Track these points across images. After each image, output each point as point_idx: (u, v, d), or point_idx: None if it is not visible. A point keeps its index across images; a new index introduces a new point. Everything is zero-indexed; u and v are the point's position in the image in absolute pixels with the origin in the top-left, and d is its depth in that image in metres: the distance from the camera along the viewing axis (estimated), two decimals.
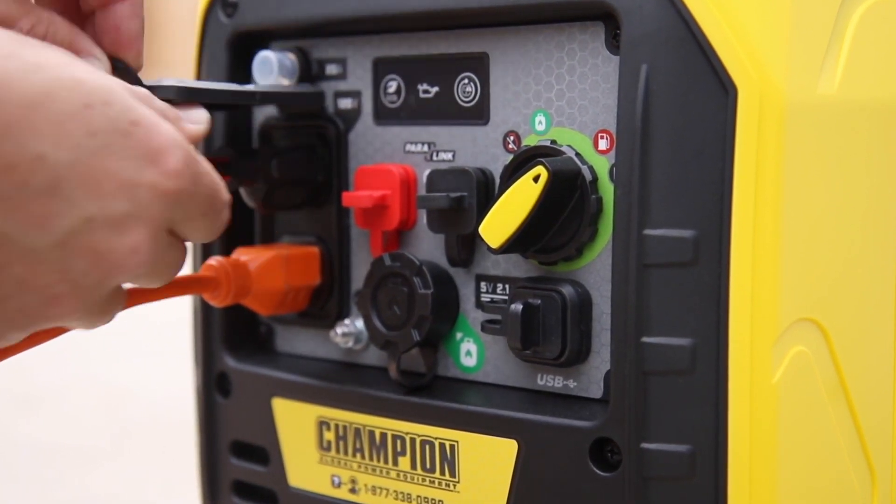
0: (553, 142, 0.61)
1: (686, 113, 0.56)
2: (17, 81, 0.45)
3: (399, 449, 0.66)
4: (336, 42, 0.70)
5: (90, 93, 0.47)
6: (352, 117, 0.69)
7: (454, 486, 0.64)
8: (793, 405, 0.57)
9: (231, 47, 0.72)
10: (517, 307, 0.61)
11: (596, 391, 0.61)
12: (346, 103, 0.70)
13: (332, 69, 0.70)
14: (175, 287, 0.64)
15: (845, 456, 0.60)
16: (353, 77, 0.69)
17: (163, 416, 1.67)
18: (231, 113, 0.72)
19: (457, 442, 0.64)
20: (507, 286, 0.64)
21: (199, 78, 0.74)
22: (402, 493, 0.66)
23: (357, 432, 0.67)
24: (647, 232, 0.57)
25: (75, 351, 2.01)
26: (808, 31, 0.57)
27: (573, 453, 0.60)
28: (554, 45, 0.62)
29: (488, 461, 0.62)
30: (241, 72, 0.72)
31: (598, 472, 0.59)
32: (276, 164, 0.68)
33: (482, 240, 0.61)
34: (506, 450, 0.62)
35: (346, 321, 0.69)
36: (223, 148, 0.71)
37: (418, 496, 0.65)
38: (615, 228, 0.58)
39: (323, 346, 0.72)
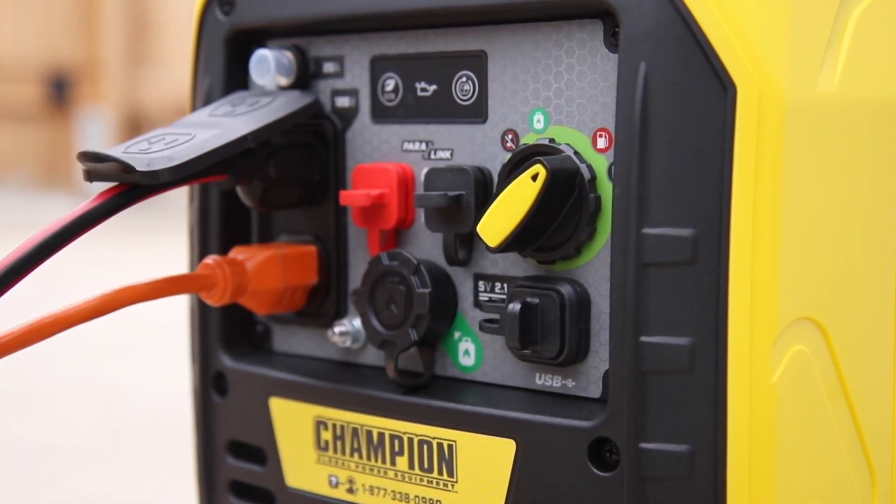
0: (551, 140, 0.61)
1: (685, 111, 0.56)
2: None
3: (397, 449, 0.66)
4: (333, 40, 0.69)
5: None
6: (349, 116, 0.69)
7: (452, 486, 0.64)
8: (792, 405, 0.57)
9: (228, 45, 0.72)
10: (515, 306, 0.61)
11: (594, 391, 0.61)
12: (343, 101, 0.69)
13: (329, 67, 0.70)
14: (172, 286, 0.64)
15: (845, 456, 0.60)
16: (350, 75, 0.69)
17: (159, 415, 1.67)
18: None
19: (455, 442, 0.63)
20: (505, 285, 0.64)
21: (195, 77, 0.74)
22: (399, 493, 0.66)
23: (355, 432, 0.67)
24: (646, 231, 0.56)
25: (70, 350, 2.00)
26: (807, 29, 0.57)
27: (572, 453, 0.59)
28: (552, 43, 0.61)
29: (486, 461, 0.62)
30: (239, 70, 0.72)
31: (596, 471, 0.59)
32: (272, 163, 0.67)
33: (480, 239, 0.60)
34: (504, 450, 0.62)
35: (344, 320, 0.69)
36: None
37: (416, 496, 0.65)
38: (614, 227, 0.58)
39: (320, 345, 0.72)
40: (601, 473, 0.59)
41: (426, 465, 0.65)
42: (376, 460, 0.66)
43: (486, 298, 0.64)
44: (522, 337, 0.61)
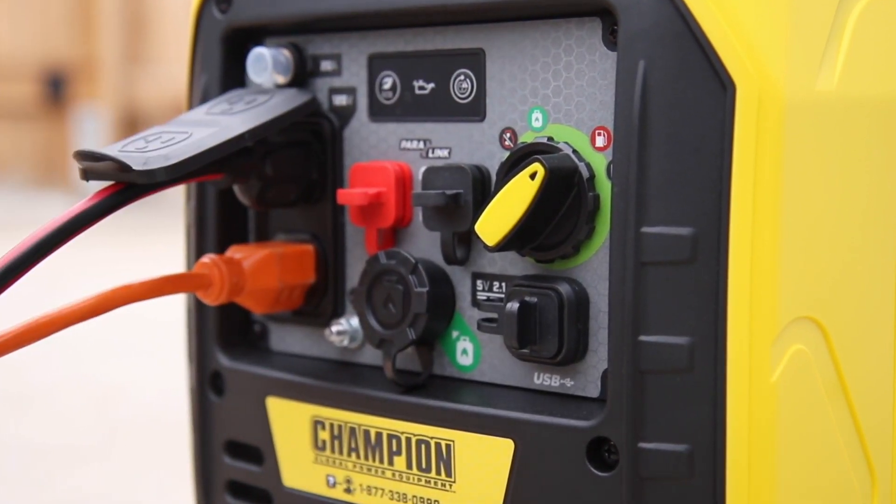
0: (550, 139, 0.61)
1: (684, 110, 0.56)
2: None
3: (394, 448, 0.65)
4: (331, 38, 0.69)
5: None
6: (347, 114, 0.69)
7: (450, 486, 0.64)
8: (792, 404, 0.57)
9: (225, 43, 0.72)
10: (513, 305, 0.60)
11: (593, 390, 0.61)
12: (340, 100, 0.69)
13: (326, 65, 0.70)
14: (168, 285, 0.64)
15: (845, 455, 0.60)
16: (347, 73, 0.69)
17: (156, 415, 1.67)
18: None
19: (453, 441, 0.63)
20: (503, 284, 0.63)
21: (192, 74, 0.74)
22: (397, 493, 0.66)
23: (352, 432, 0.67)
24: (645, 229, 0.56)
25: (66, 350, 2.00)
26: (806, 28, 0.57)
27: (570, 453, 0.59)
28: (551, 42, 0.61)
29: (484, 461, 0.62)
30: (235, 68, 0.72)
31: (595, 471, 0.59)
32: (270, 162, 0.67)
33: (478, 238, 0.60)
34: (502, 449, 0.61)
35: (341, 319, 0.69)
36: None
37: (414, 496, 0.65)
38: (612, 226, 0.58)
39: (318, 344, 0.71)
40: (600, 473, 0.58)
41: (424, 465, 0.64)
42: (374, 460, 0.66)
43: (485, 297, 0.64)
44: (521, 336, 0.61)
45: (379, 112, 0.68)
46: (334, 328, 0.69)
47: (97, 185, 0.62)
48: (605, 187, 0.59)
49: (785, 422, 0.56)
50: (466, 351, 0.65)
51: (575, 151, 0.60)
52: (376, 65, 0.68)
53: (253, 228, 0.73)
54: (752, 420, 0.56)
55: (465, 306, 0.65)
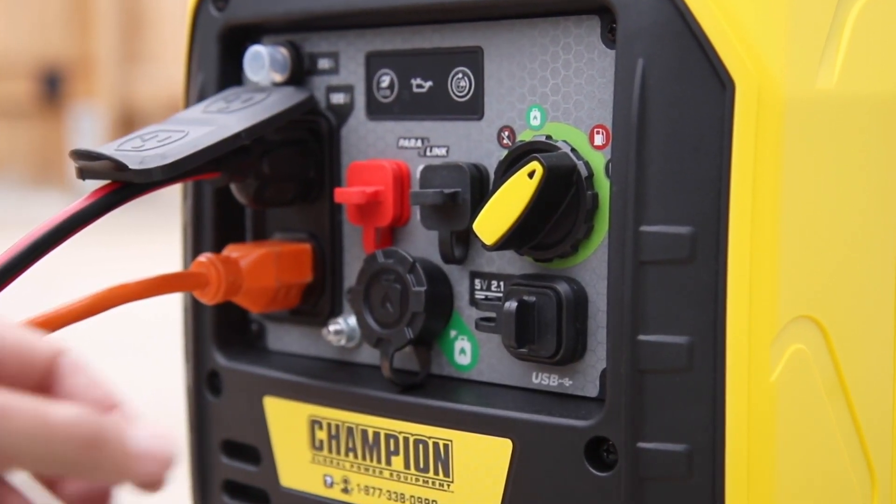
0: (548, 137, 0.61)
1: (683, 108, 0.56)
2: None
3: (392, 448, 0.65)
4: (328, 36, 0.69)
5: None
6: (344, 112, 0.69)
7: (448, 485, 0.63)
8: (791, 404, 0.57)
9: (222, 42, 0.71)
10: (512, 305, 0.60)
11: (592, 390, 0.60)
12: (338, 98, 0.69)
13: (324, 63, 0.69)
14: (165, 284, 0.64)
15: (844, 455, 0.60)
16: (345, 71, 0.69)
17: (152, 414, 1.67)
18: None
19: (451, 441, 0.63)
20: (501, 283, 0.63)
21: (189, 73, 0.74)
22: (395, 493, 0.65)
23: (350, 431, 0.67)
24: (644, 228, 0.56)
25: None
26: (806, 25, 0.57)
27: (569, 453, 0.59)
28: (549, 40, 0.61)
29: (482, 461, 0.62)
30: (232, 67, 0.72)
31: (593, 471, 0.58)
32: (267, 160, 0.67)
33: (476, 236, 0.60)
34: (500, 449, 0.61)
35: (339, 319, 0.69)
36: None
37: (412, 496, 0.65)
38: (611, 225, 0.57)
39: (315, 344, 0.71)
40: (598, 473, 0.58)
41: (422, 465, 0.64)
42: (371, 460, 0.66)
43: (483, 297, 0.64)
44: (519, 335, 0.60)
45: (376, 110, 0.68)
46: (332, 327, 0.69)
47: (93, 184, 0.61)
48: (603, 186, 0.59)
49: (784, 421, 0.56)
50: (464, 350, 0.65)
51: (573, 150, 0.60)
52: (374, 63, 0.68)
53: (250, 227, 0.73)
54: (752, 420, 0.55)
55: (463, 305, 0.65)
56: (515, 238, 0.59)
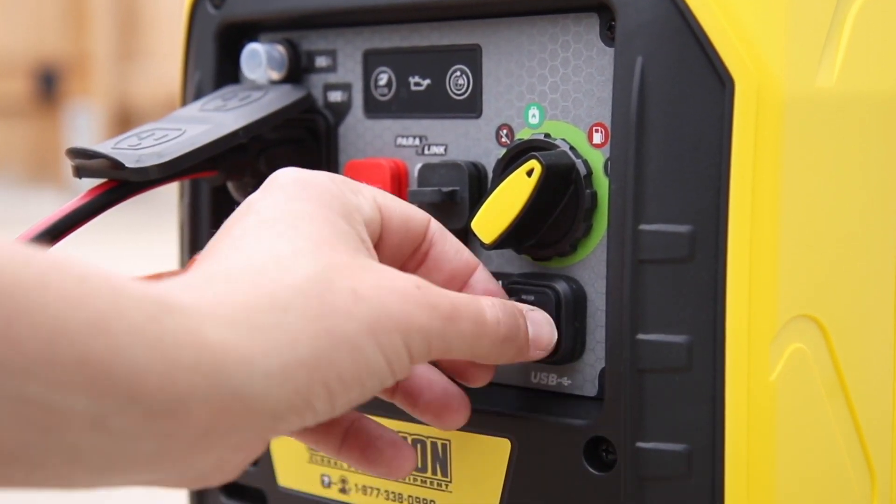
0: (547, 135, 0.61)
1: (682, 106, 0.55)
2: None
3: None
4: (326, 34, 0.69)
5: None
6: (342, 110, 0.69)
7: (446, 485, 0.63)
8: (791, 403, 0.56)
9: (219, 39, 0.71)
10: None
11: (590, 389, 0.60)
12: (335, 96, 0.69)
13: (321, 61, 0.69)
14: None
15: (844, 455, 0.60)
16: (343, 69, 0.68)
17: None
18: None
19: (449, 441, 0.63)
20: (499, 282, 0.63)
21: (186, 71, 0.73)
22: (393, 492, 0.65)
23: None
24: (643, 227, 0.56)
25: None
26: (806, 23, 0.57)
27: (567, 452, 0.59)
28: (548, 37, 0.61)
29: (481, 460, 0.62)
30: (229, 65, 0.71)
31: (592, 471, 0.58)
32: (264, 159, 0.67)
33: (474, 235, 0.60)
34: (499, 449, 0.61)
35: None
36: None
37: (409, 496, 0.65)
38: (610, 223, 0.57)
39: None
40: (597, 473, 0.58)
41: (420, 465, 0.64)
42: None
43: None
44: None
45: (374, 108, 0.67)
46: None
47: (90, 183, 0.61)
48: (602, 184, 0.59)
49: (784, 421, 0.56)
50: None
51: (572, 148, 0.60)
52: (372, 61, 0.67)
53: None
54: (751, 419, 0.55)
55: None
56: (514, 237, 0.59)
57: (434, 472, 0.64)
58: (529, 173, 0.58)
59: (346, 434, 0.58)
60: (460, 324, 0.52)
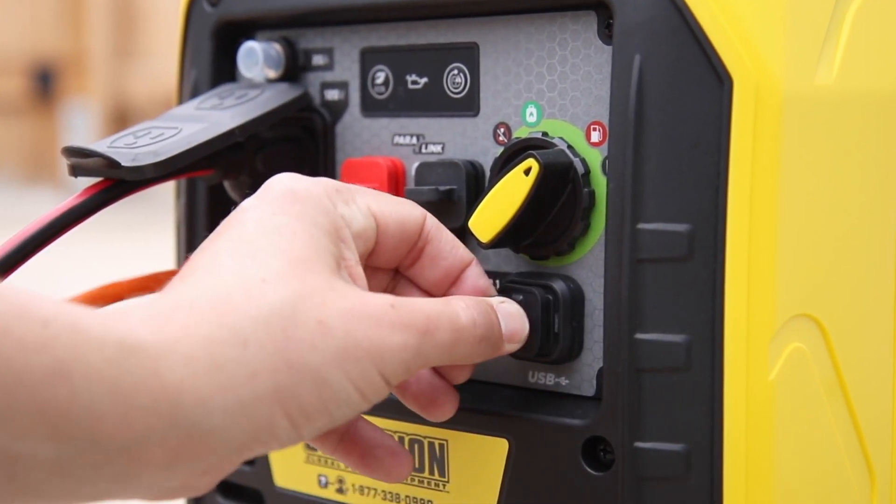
0: (544, 134, 0.60)
1: (680, 104, 0.55)
2: None
3: None
4: (323, 32, 0.68)
5: None
6: (339, 109, 0.68)
7: (444, 485, 0.63)
8: (790, 403, 0.56)
9: (215, 38, 0.71)
10: None
11: (588, 389, 0.60)
12: (332, 94, 0.68)
13: (318, 59, 0.69)
14: (158, 282, 0.63)
15: (843, 455, 0.59)
16: (339, 68, 0.68)
17: None
18: None
19: (446, 441, 0.63)
20: (497, 281, 0.63)
21: (182, 69, 0.73)
22: (390, 493, 0.65)
23: None
24: (641, 226, 0.56)
25: None
26: (805, 21, 0.56)
27: (565, 452, 0.59)
28: (545, 36, 0.61)
29: (478, 460, 0.61)
30: (226, 63, 0.71)
31: (590, 471, 0.58)
32: (260, 157, 0.67)
33: (472, 234, 0.59)
34: (496, 449, 0.61)
35: None
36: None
37: (407, 496, 0.64)
38: (608, 222, 0.57)
39: None
40: (595, 473, 0.58)
41: (417, 465, 0.64)
42: None
43: None
44: None
45: (371, 107, 0.67)
46: None
47: (86, 181, 0.61)
48: (600, 183, 0.59)
49: (783, 421, 0.56)
50: None
51: (570, 147, 0.60)
52: (369, 59, 0.67)
53: None
54: (750, 419, 0.55)
55: None
56: (511, 236, 0.59)
57: (431, 472, 0.63)
58: (527, 172, 0.58)
59: (343, 438, 0.58)
60: (437, 335, 0.52)
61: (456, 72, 0.64)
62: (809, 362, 0.57)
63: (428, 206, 0.63)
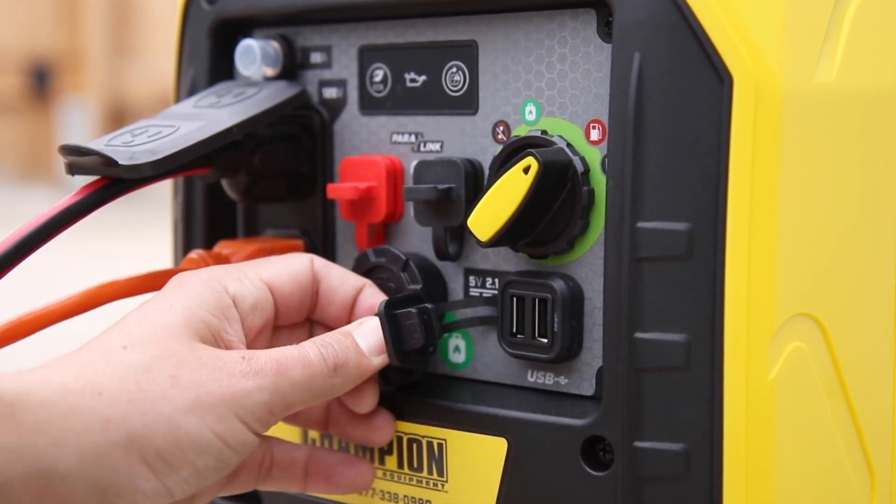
0: (544, 132, 0.60)
1: (680, 102, 0.55)
2: None
3: (385, 448, 0.64)
4: (321, 30, 0.68)
5: None
6: (337, 107, 0.68)
7: (442, 485, 0.63)
8: (790, 403, 0.56)
9: (213, 35, 0.71)
10: (507, 302, 0.60)
11: (588, 388, 0.60)
12: (330, 92, 0.68)
13: (316, 57, 0.69)
14: (155, 281, 0.63)
15: (843, 455, 0.59)
16: (338, 65, 0.68)
17: None
18: None
19: (445, 440, 0.62)
20: (496, 280, 0.63)
21: (180, 67, 0.73)
22: (388, 492, 0.65)
23: None
24: (641, 225, 0.55)
25: (52, 347, 1.99)
26: (805, 19, 0.56)
27: (564, 452, 0.58)
28: (544, 33, 0.60)
29: (477, 460, 0.61)
30: (224, 61, 0.71)
31: (589, 471, 0.58)
32: (258, 155, 0.66)
33: (471, 233, 0.59)
34: (495, 448, 0.61)
35: None
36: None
37: (405, 496, 0.64)
38: (607, 221, 0.57)
39: None
40: (594, 473, 0.58)
41: (415, 465, 0.63)
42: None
43: (477, 294, 0.63)
44: (514, 333, 0.60)
45: (370, 105, 0.67)
46: None
47: (83, 180, 0.61)
48: (599, 182, 0.59)
49: (782, 420, 0.56)
50: (459, 348, 0.64)
51: (569, 145, 0.59)
52: (367, 57, 0.67)
53: (241, 223, 0.72)
54: (750, 418, 0.55)
55: None
56: (510, 234, 0.59)
57: (430, 472, 0.63)
58: (526, 170, 0.58)
59: (306, 472, 0.62)
60: (289, 374, 0.56)
61: (455, 70, 0.64)
62: (809, 361, 0.57)
63: (426, 204, 0.63)
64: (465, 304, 0.63)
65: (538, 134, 0.60)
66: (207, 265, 0.65)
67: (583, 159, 0.59)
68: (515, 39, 0.61)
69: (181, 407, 0.53)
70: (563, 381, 0.61)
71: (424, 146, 0.65)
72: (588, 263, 0.60)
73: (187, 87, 0.71)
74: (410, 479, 0.64)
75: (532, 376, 0.62)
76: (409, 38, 0.65)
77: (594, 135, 0.59)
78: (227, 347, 0.57)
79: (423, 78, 0.65)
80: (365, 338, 0.59)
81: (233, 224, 0.73)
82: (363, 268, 0.65)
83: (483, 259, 0.63)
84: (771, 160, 0.55)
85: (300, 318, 0.62)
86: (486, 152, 0.63)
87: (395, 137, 0.66)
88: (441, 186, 0.62)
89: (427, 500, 0.63)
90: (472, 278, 0.64)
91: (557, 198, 0.59)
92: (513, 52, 0.61)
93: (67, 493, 0.50)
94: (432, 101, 0.65)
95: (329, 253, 0.69)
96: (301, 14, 0.68)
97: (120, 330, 0.55)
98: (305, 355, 0.57)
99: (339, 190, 0.65)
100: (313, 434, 0.67)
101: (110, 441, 0.51)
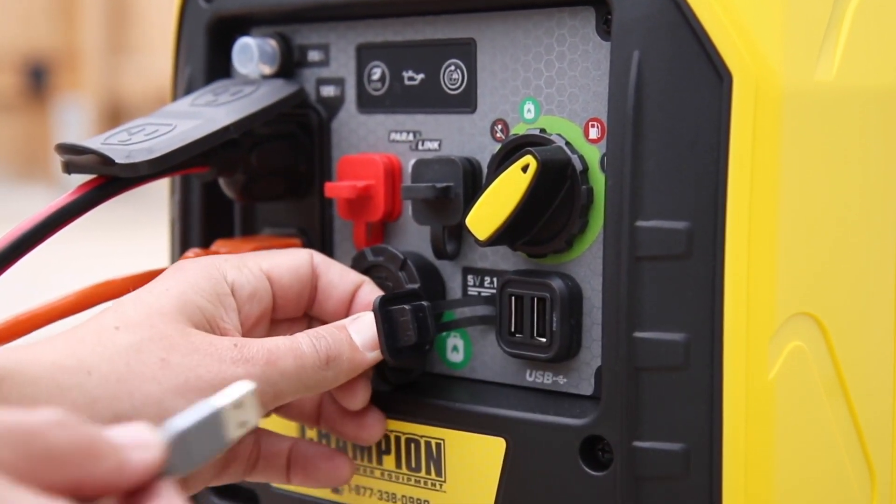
0: (542, 130, 0.60)
1: (679, 101, 0.55)
2: None
3: (383, 447, 0.64)
4: (318, 28, 0.68)
5: None
6: (335, 105, 0.68)
7: (440, 485, 0.63)
8: (789, 402, 0.56)
9: (210, 33, 0.70)
10: (505, 301, 0.59)
11: (586, 388, 0.60)
12: (328, 91, 0.68)
13: (314, 56, 0.68)
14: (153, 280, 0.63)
15: (843, 454, 0.59)
16: (335, 64, 0.68)
17: None
18: None
19: (443, 440, 0.62)
20: (494, 279, 0.62)
21: (177, 65, 0.73)
22: (386, 492, 0.64)
23: None
24: (640, 223, 0.55)
25: None
26: (805, 16, 0.56)
27: (563, 452, 0.58)
28: (543, 31, 0.60)
29: (475, 460, 0.61)
30: (221, 59, 0.71)
31: (588, 471, 0.58)
32: (256, 154, 0.66)
33: (469, 232, 0.59)
34: (493, 448, 0.60)
35: None
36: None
37: (403, 496, 0.64)
38: (606, 220, 0.57)
39: None
40: (593, 472, 0.57)
41: (414, 465, 0.63)
42: (362, 459, 0.65)
43: (476, 293, 0.63)
44: (512, 332, 0.60)
45: (368, 103, 0.67)
46: None
47: (79, 179, 0.61)
48: (598, 180, 0.58)
49: (782, 420, 0.55)
50: (457, 348, 0.64)
51: (568, 143, 0.59)
52: (365, 55, 0.67)
53: (239, 222, 0.72)
54: (749, 418, 0.55)
55: None
56: (509, 233, 0.59)
57: (428, 472, 0.63)
58: (525, 169, 0.57)
59: (289, 463, 0.62)
60: (280, 364, 0.56)
61: (453, 68, 0.63)
62: (809, 361, 0.57)
63: (424, 203, 0.63)
64: (463, 303, 0.63)
65: (537, 132, 0.60)
66: None
67: (581, 158, 0.59)
68: (514, 37, 0.61)
69: (170, 389, 0.53)
70: (561, 380, 0.61)
71: (422, 144, 0.65)
72: (587, 262, 0.59)
73: (184, 85, 0.71)
74: (408, 479, 0.64)
75: (531, 376, 0.62)
76: (407, 36, 0.65)
77: (593, 133, 0.59)
78: (223, 334, 0.57)
79: (421, 76, 0.65)
80: (360, 332, 0.59)
81: (230, 223, 0.72)
82: (361, 267, 0.65)
83: (481, 258, 0.63)
84: (770, 159, 0.54)
85: (298, 312, 0.62)
86: (485, 151, 0.62)
87: (393, 136, 0.66)
88: (439, 185, 0.62)
89: (425, 501, 0.63)
90: (470, 277, 0.63)
91: (556, 196, 0.59)
92: (511, 49, 0.61)
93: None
94: (430, 99, 0.64)
95: (327, 252, 0.68)
96: (298, 12, 0.68)
97: (115, 311, 0.55)
98: (297, 346, 0.57)
99: (337, 188, 0.65)
100: (311, 432, 0.67)
101: (97, 420, 0.50)
